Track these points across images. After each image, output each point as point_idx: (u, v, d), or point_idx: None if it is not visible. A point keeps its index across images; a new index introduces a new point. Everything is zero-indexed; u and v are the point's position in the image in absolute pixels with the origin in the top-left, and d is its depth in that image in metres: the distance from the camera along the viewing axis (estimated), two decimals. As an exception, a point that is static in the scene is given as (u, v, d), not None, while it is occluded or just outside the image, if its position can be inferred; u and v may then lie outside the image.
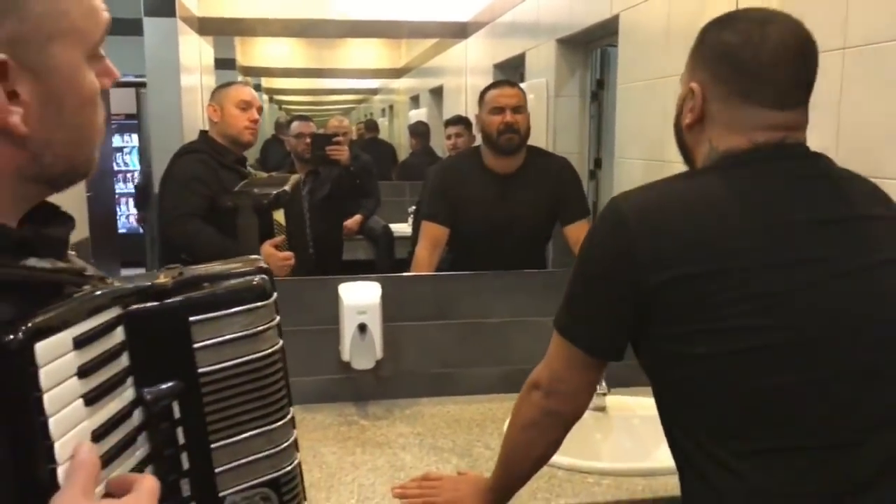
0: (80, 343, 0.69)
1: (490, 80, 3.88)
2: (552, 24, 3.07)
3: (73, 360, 0.69)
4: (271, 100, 5.50)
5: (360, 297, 1.99)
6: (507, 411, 2.03)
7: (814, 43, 1.18)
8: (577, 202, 2.57)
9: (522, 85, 3.45)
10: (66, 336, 0.68)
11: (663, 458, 1.75)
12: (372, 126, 5.11)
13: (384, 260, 3.65)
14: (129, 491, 0.69)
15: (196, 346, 0.79)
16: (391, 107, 5.38)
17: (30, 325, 0.64)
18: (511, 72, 3.69)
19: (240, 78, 4.32)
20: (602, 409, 1.98)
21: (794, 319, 1.08)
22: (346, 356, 2.00)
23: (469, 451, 1.81)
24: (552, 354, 1.27)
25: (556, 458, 1.42)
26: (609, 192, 2.83)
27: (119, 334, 0.76)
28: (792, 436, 1.08)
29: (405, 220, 3.98)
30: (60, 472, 0.65)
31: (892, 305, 1.12)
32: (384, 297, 2.01)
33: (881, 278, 1.13)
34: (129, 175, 5.56)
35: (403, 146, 4.96)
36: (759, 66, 1.15)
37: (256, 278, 0.83)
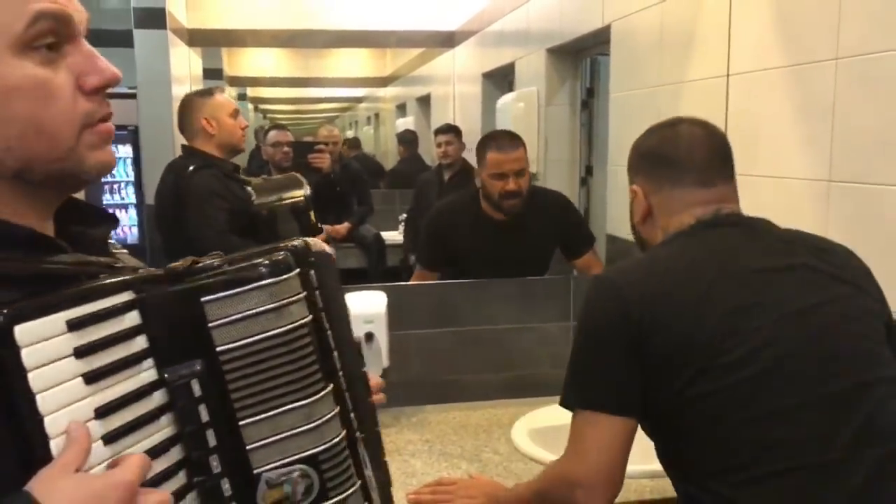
0: (74, 325, 0.72)
1: (479, 90, 3.94)
2: (542, 33, 3.12)
3: (68, 341, 0.72)
4: (256, 109, 5.51)
5: (367, 306, 2.01)
6: (512, 417, 2.07)
7: (720, 132, 1.43)
8: (583, 235, 2.57)
9: (512, 94, 3.50)
10: (55, 319, 0.71)
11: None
12: (355, 144, 5.13)
13: (376, 267, 3.68)
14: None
15: (211, 325, 0.80)
16: (377, 115, 5.41)
17: (8, 310, 0.68)
18: (500, 80, 3.73)
19: (226, 87, 4.35)
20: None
21: (764, 353, 1.19)
22: (352, 365, 2.02)
23: (478, 456, 1.84)
24: (582, 443, 1.27)
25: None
26: (601, 199, 2.88)
27: (133, 318, 0.78)
28: (782, 459, 1.16)
29: (396, 228, 4.01)
30: (54, 445, 0.68)
31: (835, 339, 1.25)
32: (389, 306, 2.03)
33: (828, 315, 1.26)
34: (114, 186, 5.53)
35: (390, 153, 5.00)
36: (678, 156, 1.37)
37: (278, 255, 0.84)
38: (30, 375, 0.69)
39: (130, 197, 5.37)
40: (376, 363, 2.01)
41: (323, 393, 0.85)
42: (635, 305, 1.23)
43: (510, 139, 2.43)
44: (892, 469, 1.17)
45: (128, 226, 5.35)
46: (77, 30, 0.77)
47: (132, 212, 5.45)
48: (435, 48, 4.26)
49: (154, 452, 0.76)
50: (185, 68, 3.57)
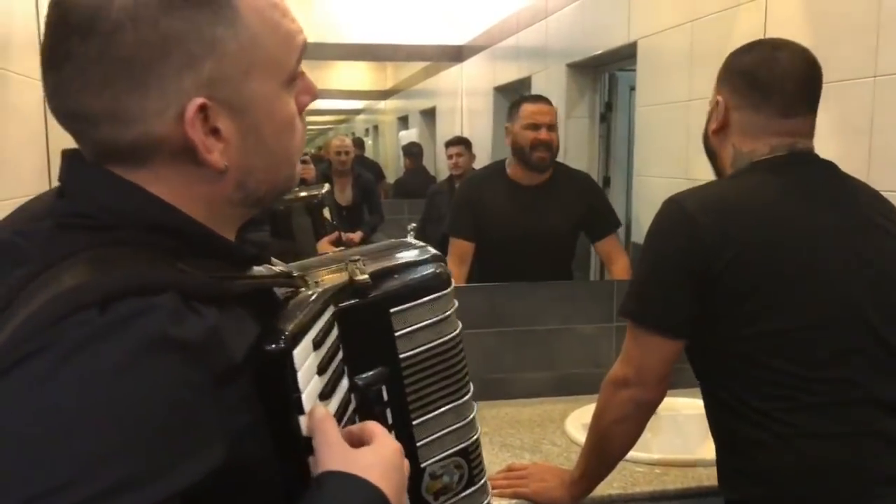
0: (317, 344, 0.76)
1: (490, 103, 4.04)
2: (563, 48, 3.23)
3: (314, 360, 0.75)
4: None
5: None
6: (562, 413, 2.16)
7: (818, 65, 1.44)
8: (608, 216, 2.69)
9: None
10: (307, 340, 0.74)
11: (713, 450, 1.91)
12: (358, 144, 5.20)
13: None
14: (366, 442, 0.75)
15: (397, 334, 0.87)
16: (375, 127, 5.48)
17: (287, 333, 0.70)
18: (512, 94, 3.83)
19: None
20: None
21: (840, 300, 1.31)
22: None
23: (538, 447, 1.92)
24: (631, 350, 1.42)
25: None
26: (620, 208, 2.99)
27: (336, 331, 0.82)
28: (838, 392, 1.30)
29: (405, 237, 4.08)
30: (311, 461, 0.72)
31: (891, 292, 1.37)
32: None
33: (886, 270, 1.38)
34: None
35: (390, 166, 5.06)
36: (771, 83, 1.41)
37: (440, 268, 0.92)
38: (303, 395, 0.71)
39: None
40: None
41: (470, 394, 0.96)
42: (708, 234, 1.32)
43: (542, 98, 2.67)
44: None
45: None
46: None
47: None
48: (442, 62, 4.35)
49: None
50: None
